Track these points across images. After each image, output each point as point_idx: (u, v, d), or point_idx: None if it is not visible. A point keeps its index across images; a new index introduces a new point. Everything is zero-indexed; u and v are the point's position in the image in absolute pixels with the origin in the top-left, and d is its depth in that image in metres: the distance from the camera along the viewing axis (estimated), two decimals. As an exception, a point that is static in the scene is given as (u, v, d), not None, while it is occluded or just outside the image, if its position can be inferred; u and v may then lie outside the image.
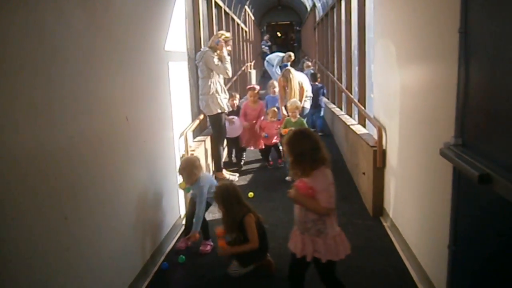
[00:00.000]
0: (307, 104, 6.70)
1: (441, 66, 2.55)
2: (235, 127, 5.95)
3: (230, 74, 5.33)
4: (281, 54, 13.96)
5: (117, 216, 2.86)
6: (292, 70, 6.60)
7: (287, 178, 5.32)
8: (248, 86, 6.44)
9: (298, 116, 5.62)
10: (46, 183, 2.04)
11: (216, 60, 5.13)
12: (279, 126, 5.94)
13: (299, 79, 6.51)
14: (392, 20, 3.97)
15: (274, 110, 6.15)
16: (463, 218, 2.15)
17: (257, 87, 6.36)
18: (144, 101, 3.46)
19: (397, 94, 3.74)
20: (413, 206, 3.36)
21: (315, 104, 7.81)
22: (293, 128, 5.30)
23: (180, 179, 3.87)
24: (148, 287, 3.26)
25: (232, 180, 5.60)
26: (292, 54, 13.53)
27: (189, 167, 3.69)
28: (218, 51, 5.17)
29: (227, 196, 3.34)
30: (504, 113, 1.75)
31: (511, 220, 1.64)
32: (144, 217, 3.39)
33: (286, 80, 6.37)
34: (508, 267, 1.72)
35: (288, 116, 5.70)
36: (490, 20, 1.88)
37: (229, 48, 5.36)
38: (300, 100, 6.28)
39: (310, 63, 12.89)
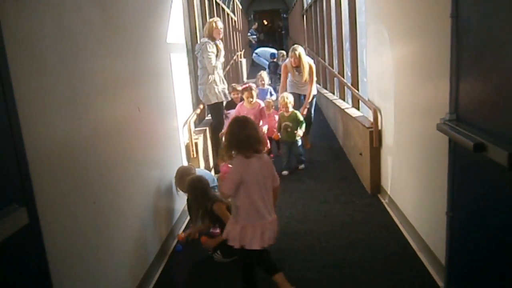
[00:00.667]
0: (315, 90, 6.32)
1: (434, 48, 2.74)
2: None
3: (212, 71, 5.30)
4: (271, 50, 14.19)
5: (136, 201, 3.04)
6: (300, 48, 6.12)
7: (283, 172, 5.43)
8: (243, 86, 5.86)
9: (292, 109, 5.54)
10: (77, 171, 2.20)
11: (210, 54, 5.20)
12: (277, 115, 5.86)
13: (307, 59, 6.18)
14: (384, 4, 4.15)
15: (269, 101, 6.08)
16: (459, 185, 2.36)
17: (254, 86, 5.69)
18: (152, 92, 3.61)
19: (391, 77, 3.94)
20: (410, 180, 3.58)
21: None
22: (288, 123, 5.42)
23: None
24: (166, 266, 3.47)
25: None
26: (284, 53, 13.88)
27: (186, 177, 3.78)
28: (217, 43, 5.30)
29: (192, 189, 3.53)
30: (493, 90, 1.95)
31: (502, 182, 1.85)
32: (158, 203, 3.58)
33: (297, 58, 5.91)
34: (502, 227, 1.94)
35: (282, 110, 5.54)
36: (478, 4, 2.07)
37: (221, 35, 5.43)
38: (311, 83, 6.04)
39: None
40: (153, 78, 3.68)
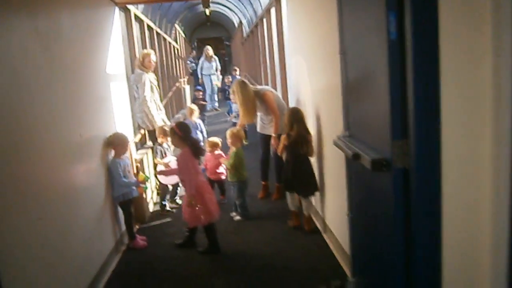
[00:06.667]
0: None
1: (333, 78, 3.32)
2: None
3: (148, 101, 5.63)
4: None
5: (81, 217, 3.33)
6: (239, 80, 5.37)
7: (232, 214, 5.10)
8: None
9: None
10: (19, 187, 2.47)
11: (146, 85, 5.55)
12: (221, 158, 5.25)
13: (258, 89, 5.32)
14: (300, 41, 4.79)
15: (213, 141, 5.33)
16: (354, 190, 2.89)
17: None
18: (94, 119, 3.94)
19: (309, 100, 4.53)
20: (327, 189, 4.13)
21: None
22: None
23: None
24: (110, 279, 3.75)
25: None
26: (209, 47, 13.90)
27: (126, 139, 4.35)
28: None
29: None
30: (363, 114, 2.52)
31: (370, 182, 2.40)
32: (106, 214, 4.03)
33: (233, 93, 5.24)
34: (375, 219, 2.46)
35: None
36: (355, 44, 2.64)
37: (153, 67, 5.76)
38: (273, 113, 5.12)
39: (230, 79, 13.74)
40: (94, 106, 4.00)
